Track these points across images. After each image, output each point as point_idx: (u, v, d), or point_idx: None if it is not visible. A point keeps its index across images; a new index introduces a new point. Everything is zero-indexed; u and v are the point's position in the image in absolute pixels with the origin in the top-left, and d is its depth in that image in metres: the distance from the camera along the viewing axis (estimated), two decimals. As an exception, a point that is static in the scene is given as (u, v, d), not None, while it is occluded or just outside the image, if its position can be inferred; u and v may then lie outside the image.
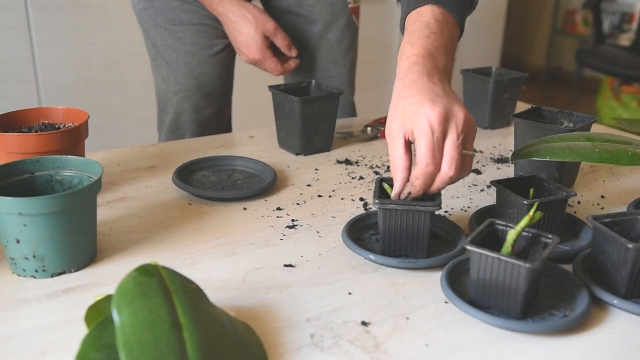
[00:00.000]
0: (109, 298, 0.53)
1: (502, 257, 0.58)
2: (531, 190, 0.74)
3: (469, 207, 0.86)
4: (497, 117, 1.20)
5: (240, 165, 0.98)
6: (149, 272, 0.52)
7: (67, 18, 2.08)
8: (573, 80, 4.49)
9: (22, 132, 0.85)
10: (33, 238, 0.63)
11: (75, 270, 0.67)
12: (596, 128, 1.20)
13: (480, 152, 1.09)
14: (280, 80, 1.41)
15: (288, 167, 1.00)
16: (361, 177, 0.96)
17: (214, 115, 1.29)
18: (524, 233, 0.63)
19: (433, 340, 0.57)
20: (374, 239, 0.75)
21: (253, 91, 2.03)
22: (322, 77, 1.29)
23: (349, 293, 0.64)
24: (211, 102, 1.27)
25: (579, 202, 0.88)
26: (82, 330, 0.54)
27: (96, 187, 0.67)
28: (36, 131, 0.85)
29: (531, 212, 0.61)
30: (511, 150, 1.09)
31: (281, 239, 0.76)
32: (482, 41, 3.23)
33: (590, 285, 0.63)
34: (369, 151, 1.08)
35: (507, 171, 1.00)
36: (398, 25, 0.81)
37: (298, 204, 0.86)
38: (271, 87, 1.07)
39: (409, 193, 0.67)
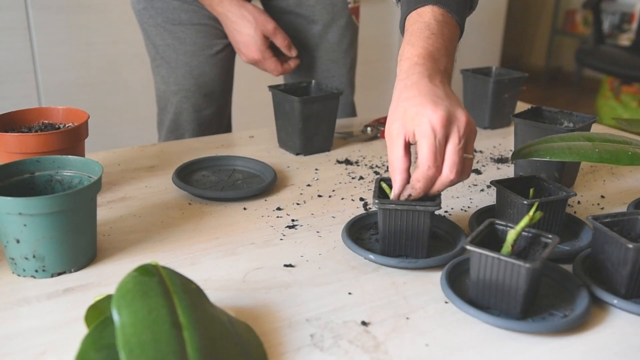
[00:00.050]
0: (109, 298, 0.53)
1: (502, 257, 0.58)
2: (531, 190, 0.74)
3: (469, 207, 0.86)
4: (497, 117, 1.20)
5: (240, 165, 0.98)
6: (149, 272, 0.52)
7: (67, 18, 2.08)
8: (573, 80, 4.49)
9: (22, 132, 0.85)
10: (33, 238, 0.63)
11: (75, 270, 0.67)
12: (596, 128, 1.20)
13: (480, 152, 1.09)
14: (280, 80, 1.41)
15: (288, 167, 1.00)
16: (361, 177, 0.96)
17: (214, 115, 1.29)
18: (524, 233, 0.63)
19: (433, 340, 0.57)
20: (374, 239, 0.75)
21: (253, 91, 2.03)
22: (322, 77, 1.29)
23: (349, 293, 0.64)
24: (211, 102, 1.27)
25: (579, 202, 0.88)
26: (82, 330, 0.54)
27: (96, 187, 0.67)
28: (36, 131, 0.85)
29: (531, 212, 0.61)
30: (511, 150, 1.09)
31: (281, 239, 0.76)
32: (482, 41, 3.23)
33: (590, 285, 0.63)
34: (369, 151, 1.08)
35: (507, 171, 1.00)
36: (398, 26, 0.81)
37: (298, 204, 0.86)
38: (271, 87, 1.07)
39: (409, 195, 0.67)
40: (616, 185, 0.95)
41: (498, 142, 1.15)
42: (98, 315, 0.52)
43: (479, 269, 0.60)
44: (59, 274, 0.66)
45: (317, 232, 0.78)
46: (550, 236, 0.62)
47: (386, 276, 0.67)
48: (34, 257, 0.64)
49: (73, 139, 0.82)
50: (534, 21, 4.70)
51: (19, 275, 0.66)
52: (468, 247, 0.59)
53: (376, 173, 0.98)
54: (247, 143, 1.12)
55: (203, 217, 0.81)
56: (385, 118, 1.07)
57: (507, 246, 0.61)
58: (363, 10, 1.52)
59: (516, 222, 0.62)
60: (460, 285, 0.65)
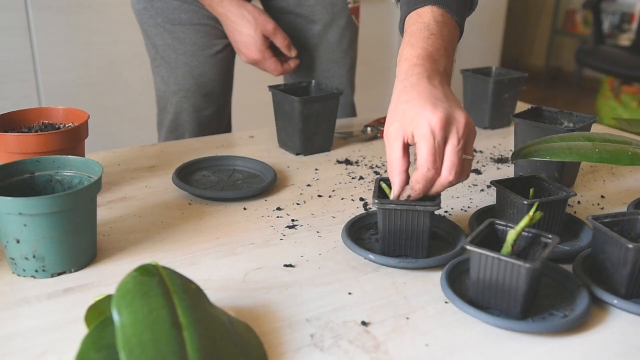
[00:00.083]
0: (109, 298, 0.53)
1: (502, 257, 0.58)
2: (531, 190, 0.74)
3: (469, 207, 0.86)
4: (497, 117, 1.20)
5: (240, 165, 0.98)
6: (149, 272, 0.52)
7: (67, 18, 2.08)
8: (573, 80, 4.49)
9: (22, 132, 0.85)
10: (33, 238, 0.63)
11: (75, 270, 0.67)
12: (596, 128, 1.20)
13: (480, 152, 1.09)
14: (280, 80, 1.41)
15: (288, 167, 1.00)
16: (361, 177, 0.96)
17: (214, 115, 1.29)
18: (524, 233, 0.63)
19: (433, 340, 0.57)
20: (374, 239, 0.75)
21: (253, 91, 2.03)
22: (322, 77, 1.29)
23: (349, 293, 0.64)
24: (211, 102, 1.27)
25: (579, 202, 0.88)
26: (82, 330, 0.54)
27: (96, 187, 0.67)
28: (36, 131, 0.85)
29: (531, 212, 0.61)
30: (511, 150, 1.09)
31: (281, 239, 0.76)
32: (482, 41, 3.23)
33: (590, 285, 0.63)
34: (369, 151, 1.08)
35: (507, 171, 1.00)
36: (398, 25, 0.81)
37: (298, 204, 0.86)
38: (271, 87, 1.07)
39: (409, 196, 0.67)
40: (616, 185, 0.95)
41: (498, 142, 1.15)
42: (98, 315, 0.52)
43: (479, 269, 0.60)
44: (59, 274, 0.66)
45: (317, 232, 0.78)
46: (550, 236, 0.62)
47: (386, 276, 0.67)
48: (34, 257, 0.64)
49: (73, 139, 0.82)
50: (534, 21, 4.70)
51: (19, 275, 0.66)
52: (468, 247, 0.59)
53: (376, 173, 0.98)
54: (247, 143, 1.12)
55: (203, 217, 0.81)
56: (385, 118, 1.07)
57: (507, 246, 0.61)
58: (363, 10, 1.52)
59: (516, 222, 0.62)
60: (460, 285, 0.65)
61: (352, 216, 0.79)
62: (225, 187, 0.90)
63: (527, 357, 0.55)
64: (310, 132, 1.04)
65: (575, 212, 0.85)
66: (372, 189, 0.90)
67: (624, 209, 0.86)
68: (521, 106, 1.22)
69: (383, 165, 1.01)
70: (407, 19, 0.77)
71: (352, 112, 1.37)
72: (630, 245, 0.60)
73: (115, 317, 0.46)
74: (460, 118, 0.66)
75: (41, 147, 0.79)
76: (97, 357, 0.46)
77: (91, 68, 2.17)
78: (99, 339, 0.47)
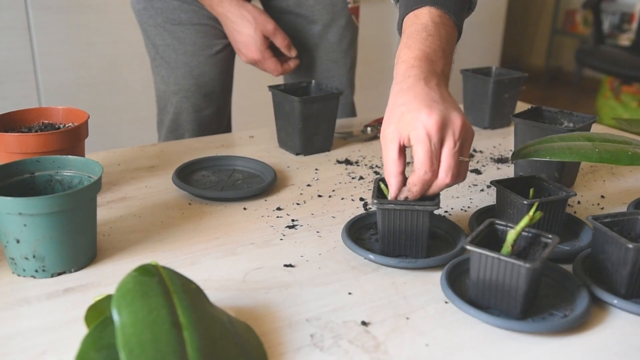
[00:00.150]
0: (109, 298, 0.53)
1: (502, 257, 0.58)
2: (531, 190, 0.74)
3: (469, 207, 0.86)
4: (497, 117, 1.20)
5: (240, 165, 0.98)
6: (149, 272, 0.52)
7: (67, 18, 2.08)
8: (573, 80, 4.49)
9: (22, 132, 0.85)
10: (33, 238, 0.63)
11: (75, 270, 0.67)
12: (596, 128, 1.20)
13: (480, 152, 1.09)
14: (280, 80, 1.41)
15: (288, 167, 1.00)
16: (361, 177, 0.96)
17: (214, 115, 1.29)
18: (524, 233, 0.63)
19: (433, 340, 0.57)
20: (374, 239, 0.75)
21: (253, 91, 2.03)
22: (322, 77, 1.29)
23: (349, 293, 0.64)
24: (211, 102, 1.27)
25: (579, 202, 0.88)
26: (82, 330, 0.54)
27: (96, 187, 0.67)
28: (36, 131, 0.85)
29: (531, 212, 0.61)
30: (511, 150, 1.09)
31: (281, 239, 0.76)
32: (482, 41, 3.23)
33: (590, 285, 0.63)
34: (369, 151, 1.08)
35: (507, 171, 1.00)
36: (396, 26, 0.81)
37: (298, 204, 0.86)
38: (271, 87, 1.07)
39: (406, 198, 0.67)
40: (616, 185, 0.95)
41: (498, 142, 1.15)
42: (98, 315, 0.52)
43: (479, 269, 0.60)
44: (59, 274, 0.66)
45: (317, 232, 0.78)
46: (550, 236, 0.62)
47: (386, 276, 0.67)
48: (34, 257, 0.64)
49: (73, 139, 0.82)
50: (534, 21, 4.70)
51: (19, 275, 0.66)
52: (468, 247, 0.59)
53: (376, 173, 0.98)
54: (247, 143, 1.12)
55: (203, 217, 0.81)
56: (385, 118, 1.07)
57: (507, 246, 0.61)
58: (363, 10, 1.52)
59: (516, 222, 0.62)
60: (460, 285, 0.65)
61: (352, 216, 0.79)
62: (225, 187, 0.90)
63: (527, 357, 0.55)
64: (310, 132, 1.04)
65: (575, 212, 0.85)
66: (372, 189, 0.90)
67: (624, 209, 0.86)
68: (521, 106, 1.22)
69: (383, 165, 1.01)
70: (404, 20, 0.77)
71: (352, 112, 1.37)
72: (630, 245, 0.60)
73: (115, 317, 0.46)
74: (456, 120, 0.66)
75: (41, 147, 0.79)
76: (97, 357, 0.46)
77: (91, 68, 2.17)
78: (99, 339, 0.47)
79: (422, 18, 0.74)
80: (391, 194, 0.68)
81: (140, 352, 0.44)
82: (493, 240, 0.64)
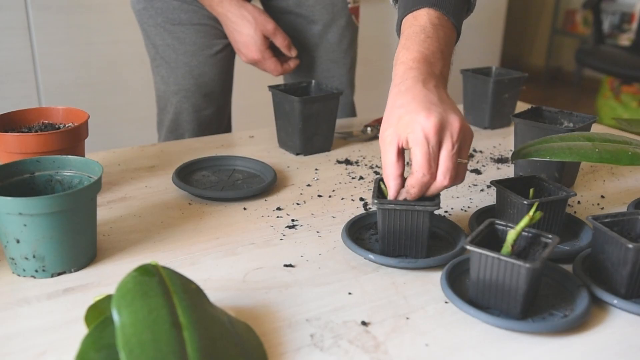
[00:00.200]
0: (109, 298, 0.53)
1: (502, 257, 0.58)
2: (531, 190, 0.74)
3: (469, 207, 0.86)
4: (497, 117, 1.20)
5: (240, 165, 0.98)
6: (149, 272, 0.52)
7: (67, 18, 2.08)
8: (573, 80, 4.49)
9: (22, 132, 0.85)
10: (33, 238, 0.63)
11: (75, 270, 0.67)
12: (596, 128, 1.20)
13: (480, 152, 1.09)
14: (280, 80, 1.41)
15: (288, 167, 1.00)
16: (361, 177, 0.96)
17: (214, 115, 1.29)
18: (524, 233, 0.63)
19: (433, 340, 0.57)
20: (374, 239, 0.75)
21: (253, 91, 2.03)
22: (322, 77, 1.29)
23: (349, 293, 0.64)
24: (211, 102, 1.27)
25: (579, 202, 0.88)
26: (82, 330, 0.54)
27: (96, 187, 0.67)
28: (36, 131, 0.85)
29: (531, 212, 0.61)
30: (511, 150, 1.09)
31: (281, 239, 0.76)
32: (482, 41, 3.23)
33: (590, 285, 0.63)
34: (369, 151, 1.08)
35: (507, 171, 1.00)
36: (395, 28, 0.81)
37: (298, 204, 0.86)
38: (271, 87, 1.07)
39: (405, 199, 0.68)
40: (616, 185, 0.95)
41: (498, 142, 1.15)
42: (98, 315, 0.52)
43: (479, 269, 0.60)
44: (59, 274, 0.66)
45: (317, 232, 0.78)
46: (550, 236, 0.62)
47: (386, 276, 0.67)
48: (34, 257, 0.64)
49: (73, 139, 0.82)
50: (534, 21, 4.70)
51: (19, 275, 0.66)
52: (468, 247, 0.59)
53: (376, 173, 0.98)
54: (247, 143, 1.12)
55: (203, 217, 0.81)
56: (385, 118, 1.07)
57: (507, 246, 0.61)
58: (363, 10, 1.52)
59: (516, 222, 0.62)
60: (460, 285, 0.65)
61: (352, 216, 0.79)
62: (225, 187, 0.90)
63: (527, 357, 0.55)
64: (310, 132, 1.04)
65: (575, 212, 0.85)
66: (372, 189, 0.90)
67: (624, 209, 0.86)
68: (521, 106, 1.22)
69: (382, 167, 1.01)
70: (403, 21, 0.77)
71: (352, 112, 1.37)
72: (630, 245, 0.60)
73: (115, 317, 0.46)
74: (454, 122, 0.66)
75: (41, 147, 0.79)
76: (97, 357, 0.46)
77: (91, 68, 2.17)
78: (99, 339, 0.47)
79: (420, 20, 0.74)
80: (390, 196, 0.68)
81: (140, 352, 0.44)
82: (493, 240, 0.64)
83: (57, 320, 0.59)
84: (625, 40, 3.87)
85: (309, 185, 0.93)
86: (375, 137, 1.14)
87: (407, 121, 0.66)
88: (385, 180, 0.69)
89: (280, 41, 1.16)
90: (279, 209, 0.84)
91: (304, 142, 1.04)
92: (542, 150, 0.74)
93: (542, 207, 0.70)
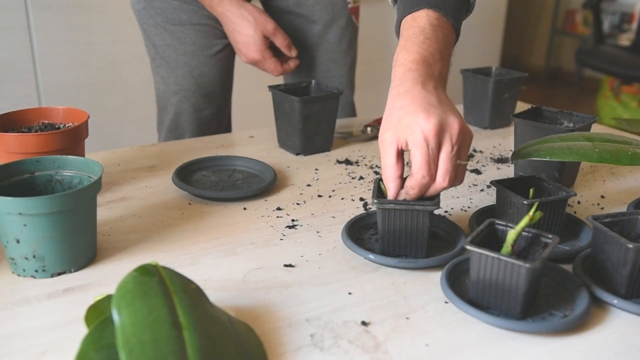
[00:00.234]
0: (109, 298, 0.53)
1: (502, 257, 0.58)
2: (531, 190, 0.74)
3: (469, 207, 0.86)
4: (497, 117, 1.20)
5: (240, 165, 0.98)
6: (149, 272, 0.52)
7: (67, 18, 2.08)
8: (573, 80, 4.49)
9: (22, 132, 0.85)
10: (33, 238, 0.63)
11: (75, 270, 0.67)
12: (596, 128, 1.20)
13: (480, 152, 1.09)
14: (280, 80, 1.41)
15: (288, 167, 1.00)
16: (361, 177, 0.96)
17: (214, 115, 1.29)
18: (524, 233, 0.63)
19: (433, 340, 0.57)
20: (374, 239, 0.75)
21: (253, 91, 2.02)
22: (322, 77, 1.29)
23: (349, 293, 0.64)
24: (211, 102, 1.27)
25: (579, 202, 0.88)
26: (82, 330, 0.54)
27: (96, 187, 0.67)
28: (36, 131, 0.85)
29: (531, 212, 0.61)
30: (511, 150, 1.09)
31: (281, 239, 0.76)
32: (482, 41, 3.23)
33: (590, 285, 0.63)
34: (369, 151, 1.08)
35: (507, 171, 1.00)
36: (394, 29, 0.81)
37: (298, 204, 0.86)
38: (271, 87, 1.07)
39: (404, 200, 0.68)
40: (616, 185, 0.95)
41: (498, 142, 1.15)
42: (98, 315, 0.52)
43: (479, 269, 0.60)
44: (59, 274, 0.66)
45: (317, 232, 0.78)
46: (550, 236, 0.62)
47: (386, 276, 0.67)
48: (34, 257, 0.64)
49: (73, 139, 0.82)
50: (534, 21, 4.70)
51: (19, 275, 0.66)
52: (468, 247, 0.59)
53: (376, 173, 0.98)
54: (247, 143, 1.12)
55: (203, 217, 0.81)
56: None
57: (507, 246, 0.61)
58: (363, 10, 1.52)
59: (516, 222, 0.62)
60: (460, 285, 0.65)
61: (352, 216, 0.79)
62: (225, 187, 0.90)
63: (527, 357, 0.55)
64: (310, 132, 1.04)
65: (575, 212, 0.85)
66: (372, 188, 0.90)
67: (624, 209, 0.86)
68: (521, 106, 1.22)
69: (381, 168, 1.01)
70: (402, 22, 0.77)
71: (352, 112, 1.37)
72: (630, 245, 0.60)
73: (115, 317, 0.46)
74: (453, 124, 0.66)
75: (41, 147, 0.79)
76: (97, 357, 0.46)
77: (91, 68, 2.17)
78: (99, 339, 0.47)
79: (419, 21, 0.74)
80: (389, 198, 0.69)
81: (140, 352, 0.44)
82: (493, 240, 0.64)
83: (57, 320, 0.59)
84: (625, 40, 3.86)
85: (309, 185, 0.93)
86: (375, 137, 1.14)
87: (407, 123, 0.66)
88: (384, 181, 0.69)
89: (280, 41, 1.16)
90: (279, 209, 0.84)
91: (304, 142, 1.04)
92: (542, 150, 0.74)
93: (542, 207, 0.70)
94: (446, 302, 0.63)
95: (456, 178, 0.68)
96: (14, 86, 2.06)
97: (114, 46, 2.18)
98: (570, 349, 0.56)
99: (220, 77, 1.26)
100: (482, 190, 0.92)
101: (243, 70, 1.41)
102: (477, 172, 0.99)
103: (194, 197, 0.87)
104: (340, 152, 1.07)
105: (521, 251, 0.63)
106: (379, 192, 0.72)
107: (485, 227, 0.64)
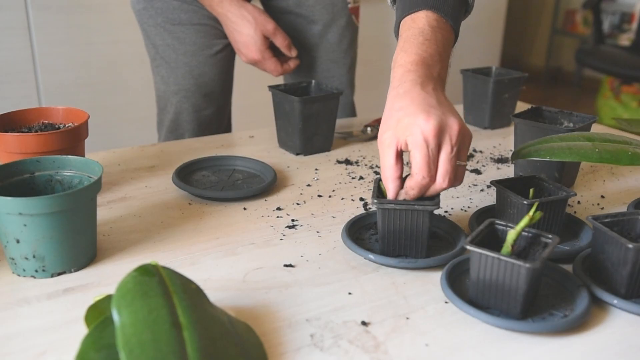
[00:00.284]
0: (109, 298, 0.53)
1: (502, 257, 0.58)
2: (531, 190, 0.74)
3: (469, 207, 0.86)
4: (497, 117, 1.20)
5: (240, 165, 0.98)
6: (149, 272, 0.52)
7: (67, 18, 2.08)
8: (573, 80, 4.49)
9: (22, 132, 0.85)
10: (33, 238, 0.63)
11: (75, 270, 0.67)
12: (596, 128, 1.20)
13: (480, 152, 1.09)
14: (280, 80, 1.41)
15: (288, 167, 1.00)
16: (361, 177, 0.96)
17: (214, 115, 1.29)
18: (524, 233, 0.63)
19: (433, 340, 0.57)
20: (374, 239, 0.75)
21: (253, 91, 2.03)
22: (322, 77, 1.29)
23: (349, 293, 0.64)
24: (211, 102, 1.27)
25: (579, 202, 0.88)
26: (82, 330, 0.54)
27: (96, 187, 0.67)
28: (36, 131, 0.85)
29: (531, 212, 0.61)
30: (511, 150, 1.09)
31: (281, 239, 0.76)
32: (482, 41, 3.23)
33: (590, 285, 0.63)
34: (369, 151, 1.08)
35: (507, 171, 1.00)
36: (393, 30, 0.81)
37: (298, 204, 0.86)
38: (271, 87, 1.07)
39: (404, 200, 0.68)
40: (616, 185, 0.95)
41: (498, 142, 1.15)
42: (98, 315, 0.52)
43: (479, 269, 0.60)
44: (59, 274, 0.66)
45: (317, 232, 0.78)
46: (550, 236, 0.62)
47: (386, 276, 0.67)
48: (34, 257, 0.64)
49: (73, 139, 0.82)
50: (534, 21, 4.70)
51: (19, 275, 0.66)
52: (468, 247, 0.59)
53: (376, 173, 0.98)
54: (247, 143, 1.12)
55: (203, 217, 0.81)
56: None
57: (507, 246, 0.61)
58: (363, 10, 1.52)
59: (516, 222, 0.62)
60: (460, 285, 0.65)
61: (352, 216, 0.79)
62: (225, 187, 0.90)
63: (527, 357, 0.55)
64: (310, 132, 1.04)
65: (575, 212, 0.85)
66: (372, 188, 0.90)
67: (624, 209, 0.86)
68: (521, 106, 1.22)
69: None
70: (401, 24, 0.77)
71: (352, 112, 1.37)
72: (630, 245, 0.60)
73: (115, 317, 0.46)
74: (453, 125, 0.66)
75: (41, 147, 0.79)
76: (97, 357, 0.46)
77: (91, 68, 2.17)
78: (99, 339, 0.47)
79: (419, 22, 0.74)
80: (389, 198, 0.69)
81: (140, 352, 0.44)
82: (493, 240, 0.64)
83: (57, 320, 0.59)
84: (625, 40, 3.87)
85: (309, 185, 0.93)
86: (375, 137, 1.14)
87: (406, 124, 0.66)
88: (384, 182, 0.69)
89: (280, 41, 1.16)
90: (279, 209, 0.84)
91: (304, 142, 1.04)
92: (542, 150, 0.74)
93: (542, 207, 0.70)
94: (446, 302, 0.63)
95: (456, 178, 0.68)
96: (14, 86, 2.07)
97: (114, 46, 2.18)
98: (570, 349, 0.56)
99: (220, 77, 1.26)
100: (482, 190, 0.92)
101: (243, 70, 1.41)
102: (477, 172, 0.99)
103: (194, 197, 0.87)
104: (340, 152, 1.07)
105: (521, 251, 0.63)
106: (379, 192, 0.72)
107: (485, 227, 0.64)
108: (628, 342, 0.57)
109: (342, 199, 0.88)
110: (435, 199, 0.68)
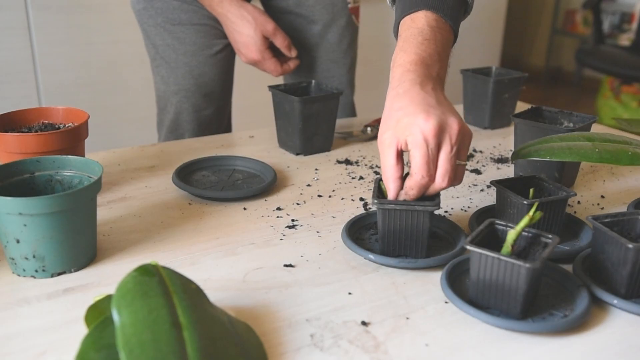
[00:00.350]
0: (109, 298, 0.53)
1: (502, 257, 0.58)
2: (531, 190, 0.74)
3: (469, 207, 0.86)
4: (497, 117, 1.20)
5: (240, 165, 0.98)
6: (149, 272, 0.52)
7: (67, 18, 2.08)
8: (573, 80, 4.49)
9: (22, 132, 0.85)
10: (33, 238, 0.63)
11: (75, 270, 0.67)
12: (596, 128, 1.20)
13: (480, 152, 1.09)
14: (280, 80, 1.41)
15: (288, 167, 1.00)
16: (361, 177, 0.96)
17: (214, 115, 1.29)
18: (524, 233, 0.63)
19: (433, 340, 0.57)
20: (374, 239, 0.75)
21: (253, 91, 2.03)
22: (322, 77, 1.29)
23: (349, 293, 0.64)
24: (211, 102, 1.27)
25: (579, 202, 0.88)
26: (82, 330, 0.54)
27: (96, 187, 0.67)
28: (36, 131, 0.85)
29: (531, 212, 0.61)
30: (511, 150, 1.09)
31: (281, 239, 0.76)
32: (482, 41, 3.23)
33: (590, 285, 0.63)
34: (369, 151, 1.08)
35: (507, 171, 1.00)
36: (392, 30, 0.81)
37: (298, 204, 0.86)
38: (271, 87, 1.07)
39: (404, 200, 0.68)
40: (616, 185, 0.95)
41: (498, 142, 1.15)
42: (98, 315, 0.52)
43: (479, 269, 0.60)
44: (59, 274, 0.66)
45: (317, 232, 0.78)
46: (550, 236, 0.62)
47: (386, 276, 0.67)
48: (34, 257, 0.64)
49: (73, 139, 0.82)
50: (534, 21, 4.70)
51: (19, 275, 0.66)
52: (468, 247, 0.59)
53: (376, 173, 0.98)
54: (247, 143, 1.12)
55: (203, 217, 0.81)
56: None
57: (507, 246, 0.61)
58: (363, 10, 1.52)
59: (516, 222, 0.62)
60: (460, 285, 0.65)
61: (352, 216, 0.79)
62: (225, 187, 0.90)
63: (527, 357, 0.55)
64: (310, 132, 1.04)
65: (575, 212, 0.85)
66: (372, 189, 0.90)
67: (624, 209, 0.86)
68: (521, 106, 1.22)
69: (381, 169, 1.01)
70: (401, 23, 0.77)
71: (352, 112, 1.37)
72: (630, 245, 0.60)
73: (115, 317, 0.46)
74: (453, 124, 0.66)
75: (41, 147, 0.79)
76: (97, 357, 0.46)
77: (91, 68, 2.17)
78: (99, 339, 0.47)
79: (418, 22, 0.74)
80: (390, 198, 0.69)
81: (140, 352, 0.44)
82: (493, 240, 0.64)
83: (57, 320, 0.59)
84: (625, 40, 3.86)
85: (309, 185, 0.93)
86: (375, 137, 1.14)
87: (406, 124, 0.66)
88: (384, 182, 0.69)
89: (280, 41, 1.16)
90: (279, 209, 0.84)
91: (304, 142, 1.04)
92: (542, 150, 0.74)
93: (542, 207, 0.70)
94: (446, 302, 0.63)
95: (455, 178, 0.68)
96: (14, 86, 2.07)
97: (114, 46, 2.18)
98: (570, 349, 0.56)
99: (220, 77, 1.26)
100: (482, 190, 0.92)
101: (243, 70, 1.41)
102: (477, 172, 0.99)
103: (194, 197, 0.87)
104: (340, 152, 1.07)
105: (521, 251, 0.63)
106: (379, 192, 0.72)
107: (485, 227, 0.64)
108: (628, 342, 0.57)
109: (342, 199, 0.88)
110: (435, 199, 0.68)
